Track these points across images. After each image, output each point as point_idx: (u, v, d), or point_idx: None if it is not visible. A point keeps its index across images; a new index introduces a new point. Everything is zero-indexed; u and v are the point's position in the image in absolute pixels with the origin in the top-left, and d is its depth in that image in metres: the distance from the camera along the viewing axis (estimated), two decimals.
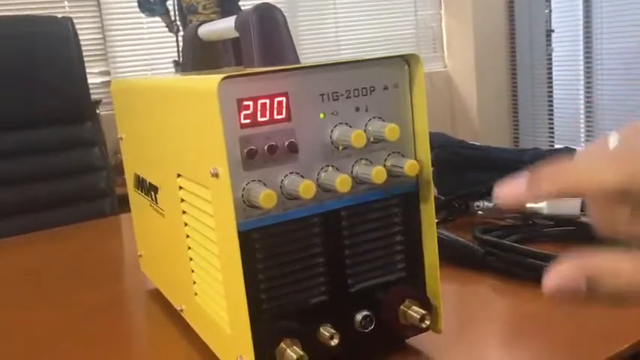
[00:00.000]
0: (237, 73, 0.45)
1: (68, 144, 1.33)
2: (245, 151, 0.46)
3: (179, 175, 0.56)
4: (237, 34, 0.58)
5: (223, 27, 0.62)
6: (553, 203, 0.78)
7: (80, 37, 1.35)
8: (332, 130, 0.49)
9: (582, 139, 3.61)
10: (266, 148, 0.46)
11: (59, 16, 1.36)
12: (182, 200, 0.57)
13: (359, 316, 0.51)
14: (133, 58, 3.12)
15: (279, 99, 0.47)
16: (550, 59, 3.70)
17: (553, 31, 3.67)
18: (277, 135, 0.47)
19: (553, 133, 3.76)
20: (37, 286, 0.85)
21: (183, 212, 0.57)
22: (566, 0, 3.63)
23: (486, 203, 0.86)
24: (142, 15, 2.70)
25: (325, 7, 3.60)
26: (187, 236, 0.57)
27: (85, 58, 1.36)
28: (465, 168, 0.93)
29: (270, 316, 0.49)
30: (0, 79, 1.26)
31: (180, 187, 0.56)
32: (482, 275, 0.71)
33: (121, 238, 1.10)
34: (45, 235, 1.09)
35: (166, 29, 2.67)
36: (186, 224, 0.57)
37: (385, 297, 0.52)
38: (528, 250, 0.68)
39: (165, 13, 2.59)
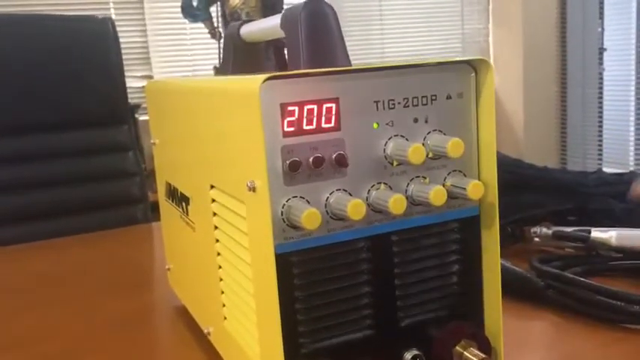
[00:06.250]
0: (281, 73, 0.40)
1: (102, 147, 1.29)
2: (287, 162, 0.40)
3: (212, 187, 0.51)
4: (282, 34, 0.53)
5: (268, 25, 0.57)
6: (623, 234, 0.70)
7: (123, 40, 1.32)
8: (386, 143, 0.43)
9: (632, 162, 3.48)
10: (311, 160, 0.40)
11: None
12: (214, 214, 0.51)
13: (408, 355, 0.45)
14: (174, 63, 3.12)
15: (329, 105, 0.41)
16: (601, 78, 3.58)
17: (605, 49, 3.55)
18: (324, 146, 0.41)
19: (602, 154, 3.63)
20: (61, 293, 0.82)
21: (215, 227, 0.51)
22: (620, 19, 3.52)
23: (544, 230, 0.78)
24: (185, 20, 2.68)
25: (371, 19, 3.54)
26: (218, 254, 0.52)
27: (127, 62, 1.33)
28: (521, 189, 0.86)
29: (307, 351, 0.43)
30: (36, 79, 1.24)
31: (213, 200, 0.51)
32: (541, 310, 0.64)
33: (151, 248, 1.05)
34: (73, 241, 1.06)
35: (209, 35, 2.65)
36: (217, 240, 0.52)
37: (439, 334, 0.46)
38: (601, 287, 0.60)
39: (208, 19, 2.56)
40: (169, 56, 3.12)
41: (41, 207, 1.25)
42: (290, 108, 0.40)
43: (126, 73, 1.35)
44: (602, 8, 3.56)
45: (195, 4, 2.64)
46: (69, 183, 1.26)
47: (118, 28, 1.32)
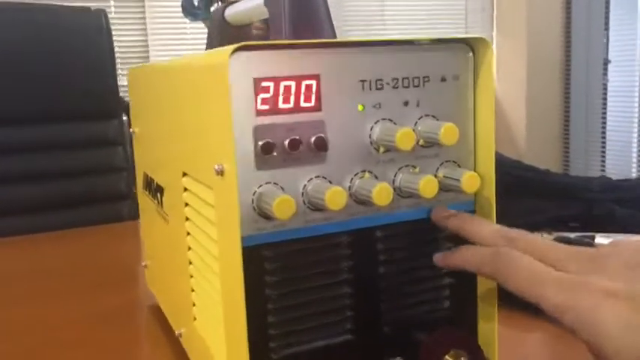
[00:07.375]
0: (255, 43, 0.35)
1: (91, 141, 1.26)
2: (260, 144, 0.36)
3: (185, 174, 0.47)
4: (267, 14, 0.49)
5: (252, 5, 0.53)
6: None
7: (123, 38, 1.28)
8: (372, 127, 0.39)
9: (634, 174, 3.43)
10: (287, 142, 0.36)
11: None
12: (186, 204, 0.47)
13: None
14: None
15: (308, 82, 0.37)
16: (605, 90, 3.55)
17: (610, 61, 3.51)
18: (302, 127, 0.37)
19: (605, 165, 3.59)
20: (42, 288, 0.80)
21: (187, 219, 0.47)
22: (625, 30, 3.49)
23: (545, 235, 0.74)
24: (186, 19, 2.65)
25: (373, 24, 3.51)
26: (189, 248, 0.48)
27: (126, 60, 1.29)
28: (520, 193, 0.82)
29: (278, 357, 0.38)
30: (26, 70, 1.20)
31: (185, 189, 0.47)
32: (540, 320, 0.59)
33: (135, 245, 1.01)
34: (56, 236, 1.04)
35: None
36: (188, 233, 0.47)
37: (426, 342, 0.41)
38: None
39: (208, 18, 2.53)
40: (169, 55, 3.09)
41: (27, 200, 1.22)
42: (264, 84, 0.36)
43: (124, 72, 1.31)
44: (607, 19, 3.53)
45: (196, 3, 2.62)
46: (54, 177, 1.23)
47: (118, 26, 1.28)
